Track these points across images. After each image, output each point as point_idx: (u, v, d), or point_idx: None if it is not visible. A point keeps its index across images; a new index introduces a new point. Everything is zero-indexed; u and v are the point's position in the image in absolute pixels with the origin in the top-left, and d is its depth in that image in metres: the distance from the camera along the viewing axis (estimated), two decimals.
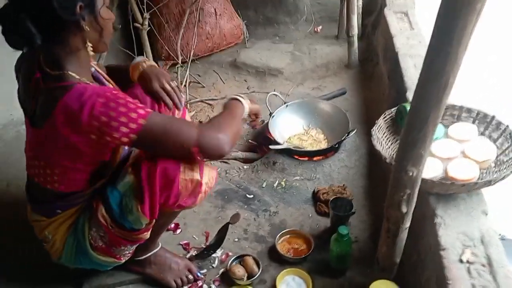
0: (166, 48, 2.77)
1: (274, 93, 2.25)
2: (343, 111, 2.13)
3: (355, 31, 2.62)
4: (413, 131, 0.94)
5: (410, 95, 1.73)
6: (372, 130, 1.38)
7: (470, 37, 0.81)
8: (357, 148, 2.08)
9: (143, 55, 2.66)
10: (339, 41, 3.07)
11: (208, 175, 1.18)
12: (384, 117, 1.43)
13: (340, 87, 2.64)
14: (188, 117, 1.58)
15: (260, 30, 3.26)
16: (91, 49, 1.10)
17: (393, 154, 1.37)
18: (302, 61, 2.90)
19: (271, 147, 1.88)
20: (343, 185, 1.87)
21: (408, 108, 1.35)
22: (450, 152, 1.19)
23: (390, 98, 2.18)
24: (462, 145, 1.22)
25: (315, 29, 3.21)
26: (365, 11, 2.99)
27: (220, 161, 2.12)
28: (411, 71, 1.90)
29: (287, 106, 2.23)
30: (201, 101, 2.65)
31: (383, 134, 1.40)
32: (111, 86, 1.27)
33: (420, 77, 0.86)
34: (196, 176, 1.13)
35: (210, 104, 2.63)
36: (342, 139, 1.95)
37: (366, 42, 2.91)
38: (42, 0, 0.96)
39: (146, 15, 2.49)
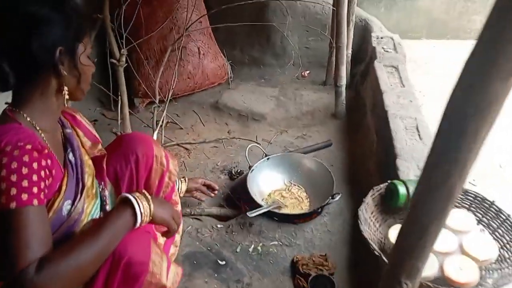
0: (144, 85, 2.64)
1: (255, 144, 2.12)
2: (328, 170, 2.01)
3: (343, 81, 2.56)
4: (410, 236, 0.82)
5: (400, 163, 1.63)
6: (359, 210, 1.26)
7: (484, 141, 0.70)
8: (341, 212, 1.95)
9: (117, 91, 2.52)
10: (327, 88, 3.01)
11: (173, 278, 1.03)
12: (373, 195, 1.32)
13: (325, 137, 2.55)
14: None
15: (245, 70, 3.18)
16: (67, 96, 1.01)
17: (383, 240, 1.24)
18: (287, 107, 2.81)
19: (249, 214, 1.73)
20: (325, 254, 1.73)
21: (399, 188, 1.24)
22: (447, 246, 1.08)
23: (377, 156, 2.08)
24: (459, 238, 1.11)
25: (302, 74, 3.15)
26: (354, 58, 2.95)
27: (192, 217, 1.96)
28: (401, 134, 1.82)
29: (268, 159, 2.11)
30: (177, 144, 2.51)
31: (371, 213, 1.28)
32: (76, 138, 1.13)
33: (420, 183, 0.74)
34: (163, 279, 0.98)
35: (186, 149, 2.49)
36: (326, 203, 1.82)
37: (355, 91, 2.85)
38: (20, 40, 0.91)
39: (124, 51, 2.36)
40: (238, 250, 1.79)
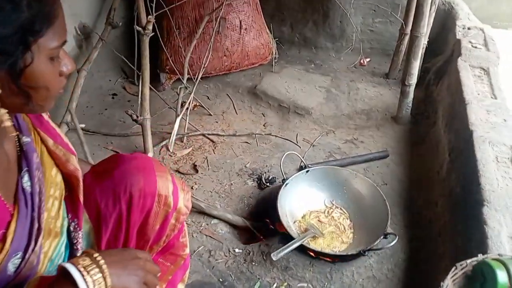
0: (172, 60, 2.31)
1: (294, 152, 1.75)
2: (382, 197, 1.62)
3: (413, 79, 2.10)
4: None
5: (489, 215, 1.21)
6: None
7: None
8: (393, 252, 1.57)
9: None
10: (389, 83, 2.56)
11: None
12: (454, 276, 0.92)
13: (381, 145, 2.14)
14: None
15: (293, 51, 2.77)
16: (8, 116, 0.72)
17: None
18: (338, 102, 2.40)
19: (274, 256, 1.38)
20: None
21: (497, 273, 0.85)
22: None
23: (449, 187, 1.66)
24: None
25: (362, 61, 2.70)
26: (428, 50, 2.46)
27: (206, 235, 1.65)
28: (491, 168, 1.38)
29: (307, 171, 1.74)
30: (203, 135, 2.18)
31: None
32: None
33: None
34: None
35: (212, 141, 2.16)
36: (374, 245, 1.44)
37: (424, 92, 2.38)
38: None
39: (151, 17, 2.02)
40: (256, 287, 1.46)
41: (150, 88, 2.17)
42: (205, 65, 2.19)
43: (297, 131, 2.25)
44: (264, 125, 2.32)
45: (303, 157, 1.79)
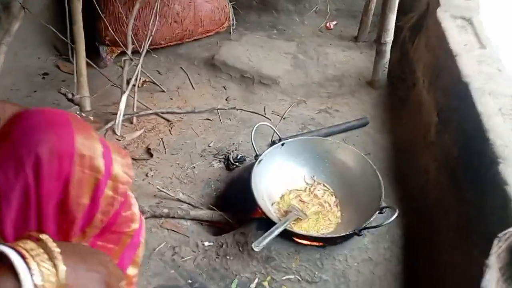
0: (113, 29, 1.99)
1: (265, 123, 1.52)
2: (372, 168, 1.42)
3: (390, 36, 1.92)
4: None
5: (508, 173, 1.04)
6: (483, 280, 0.68)
7: None
8: (388, 229, 1.38)
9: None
10: (359, 46, 2.38)
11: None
12: (499, 250, 0.73)
13: (358, 113, 1.96)
14: None
15: (252, 17, 2.53)
16: None
17: None
18: (307, 69, 2.18)
19: (255, 247, 1.14)
20: None
21: None
22: None
23: (440, 150, 1.49)
24: None
25: (327, 25, 2.50)
26: (398, 9, 2.29)
27: (168, 228, 1.39)
28: (498, 121, 1.21)
29: (283, 145, 1.51)
30: (156, 113, 1.90)
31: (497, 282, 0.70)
32: None
33: None
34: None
35: (168, 120, 1.88)
36: (370, 222, 1.25)
37: (399, 53, 2.21)
38: None
39: None
40: (233, 286, 1.23)
41: (89, 64, 1.86)
42: (152, 33, 1.90)
43: (265, 104, 2.02)
44: (226, 99, 2.07)
45: (275, 133, 1.56)
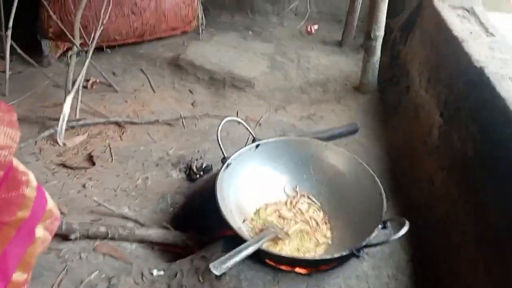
0: (57, 18, 1.71)
1: (235, 119, 1.24)
2: (369, 173, 1.16)
3: (381, 31, 1.70)
4: None
5: None
6: None
7: None
8: (392, 251, 1.10)
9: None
10: (344, 50, 2.16)
11: None
12: None
13: (345, 120, 1.71)
14: None
15: (224, 17, 2.30)
16: None
17: None
18: (286, 71, 1.94)
19: (213, 268, 0.83)
20: None
21: None
22: None
23: (449, 156, 1.25)
24: None
25: (308, 29, 2.29)
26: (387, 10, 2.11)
27: (105, 253, 1.06)
28: None
29: (258, 146, 1.23)
30: (102, 123, 1.59)
31: None
32: None
33: None
34: None
35: (119, 125, 1.58)
36: (371, 239, 0.96)
37: (389, 55, 2.00)
38: None
39: None
40: None
41: (28, 62, 1.57)
42: (104, 21, 1.62)
43: (237, 109, 1.75)
44: (192, 104, 1.79)
45: (250, 133, 1.28)
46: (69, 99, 1.54)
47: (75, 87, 1.57)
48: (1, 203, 0.61)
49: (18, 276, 0.67)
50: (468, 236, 1.05)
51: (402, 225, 0.94)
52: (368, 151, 1.56)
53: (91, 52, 1.63)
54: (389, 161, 1.52)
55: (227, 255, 0.86)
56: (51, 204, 0.75)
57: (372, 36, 1.69)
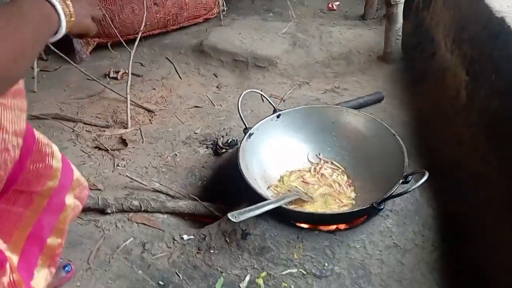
0: None
1: (255, 90, 1.28)
2: (388, 129, 1.16)
3: None
4: None
5: None
6: None
7: None
8: (417, 208, 1.10)
9: None
10: (367, 23, 2.16)
11: None
12: None
13: (370, 90, 1.71)
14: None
15: (245, 1, 2.34)
16: None
17: None
18: (309, 48, 1.96)
19: (231, 217, 0.88)
20: None
21: None
22: None
23: (477, 112, 1.23)
24: None
25: (329, 5, 2.29)
26: None
27: (139, 222, 1.14)
28: None
29: (279, 116, 1.27)
30: (138, 105, 1.68)
31: None
32: None
33: None
34: None
35: (149, 110, 1.66)
36: (395, 190, 0.98)
37: (414, 23, 1.97)
38: None
39: None
40: (217, 286, 0.96)
41: (64, 60, 1.69)
42: (128, 19, 1.71)
43: (261, 88, 1.79)
44: (217, 87, 1.85)
45: (271, 104, 1.31)
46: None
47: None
48: (30, 174, 0.68)
49: (52, 240, 0.75)
50: (499, 191, 1.05)
51: (422, 176, 0.96)
52: (395, 118, 1.55)
53: (136, 45, 1.72)
54: (416, 125, 1.52)
55: (246, 208, 0.90)
56: (77, 174, 0.82)
57: (392, 2, 1.68)
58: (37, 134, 0.72)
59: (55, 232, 0.73)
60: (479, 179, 1.15)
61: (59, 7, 0.54)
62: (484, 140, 1.16)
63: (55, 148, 0.75)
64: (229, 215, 0.86)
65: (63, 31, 0.56)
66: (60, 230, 0.75)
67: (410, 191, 0.94)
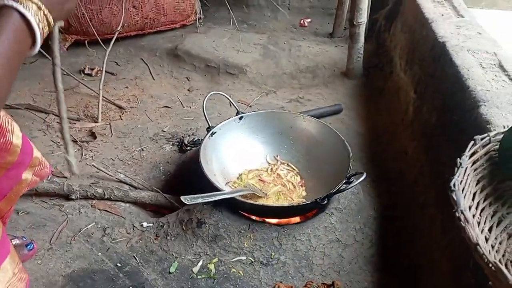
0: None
1: (219, 92, 1.37)
2: (338, 135, 1.27)
3: (363, 17, 1.82)
4: None
5: (490, 112, 0.89)
6: (451, 183, 0.52)
7: None
8: (360, 208, 1.21)
9: None
10: (334, 41, 2.28)
11: None
12: (474, 155, 0.57)
13: (331, 103, 1.82)
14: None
15: (222, 12, 2.44)
16: None
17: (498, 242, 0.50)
18: (277, 59, 2.07)
19: (184, 199, 0.96)
20: (332, 284, 1.00)
21: None
22: None
23: (420, 127, 1.35)
24: None
25: (301, 22, 2.42)
26: (372, 6, 2.22)
27: (102, 208, 1.20)
28: (478, 72, 1.08)
29: (241, 118, 1.35)
30: (110, 101, 1.74)
31: (468, 189, 0.54)
32: None
33: None
34: None
35: (120, 107, 1.72)
36: (337, 189, 1.08)
37: (375, 44, 2.11)
38: None
39: None
40: (172, 269, 1.03)
41: (41, 53, 1.72)
42: (107, 19, 1.77)
43: (231, 93, 1.87)
44: (188, 90, 1.93)
45: (234, 107, 1.40)
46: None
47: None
48: None
49: (1, 204, 0.82)
50: (430, 195, 1.16)
51: (362, 175, 1.06)
52: (350, 128, 1.67)
53: (111, 44, 1.78)
54: (370, 137, 1.63)
55: (200, 195, 0.98)
56: (37, 154, 0.88)
57: (355, 22, 1.81)
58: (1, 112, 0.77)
59: (5, 200, 0.80)
60: (417, 186, 1.26)
61: (34, 25, 0.53)
62: (422, 151, 1.28)
63: (16, 126, 0.80)
64: (182, 198, 0.94)
65: (38, 44, 0.56)
66: (11, 199, 0.82)
67: (349, 188, 1.04)
